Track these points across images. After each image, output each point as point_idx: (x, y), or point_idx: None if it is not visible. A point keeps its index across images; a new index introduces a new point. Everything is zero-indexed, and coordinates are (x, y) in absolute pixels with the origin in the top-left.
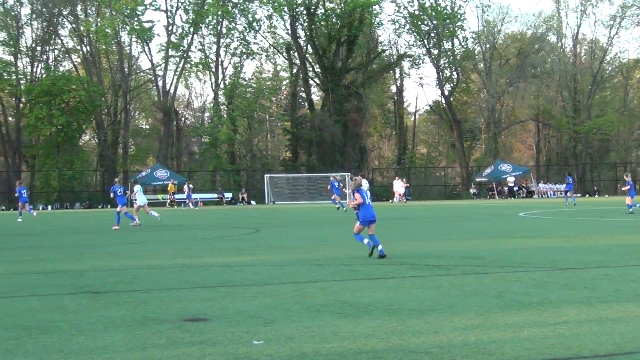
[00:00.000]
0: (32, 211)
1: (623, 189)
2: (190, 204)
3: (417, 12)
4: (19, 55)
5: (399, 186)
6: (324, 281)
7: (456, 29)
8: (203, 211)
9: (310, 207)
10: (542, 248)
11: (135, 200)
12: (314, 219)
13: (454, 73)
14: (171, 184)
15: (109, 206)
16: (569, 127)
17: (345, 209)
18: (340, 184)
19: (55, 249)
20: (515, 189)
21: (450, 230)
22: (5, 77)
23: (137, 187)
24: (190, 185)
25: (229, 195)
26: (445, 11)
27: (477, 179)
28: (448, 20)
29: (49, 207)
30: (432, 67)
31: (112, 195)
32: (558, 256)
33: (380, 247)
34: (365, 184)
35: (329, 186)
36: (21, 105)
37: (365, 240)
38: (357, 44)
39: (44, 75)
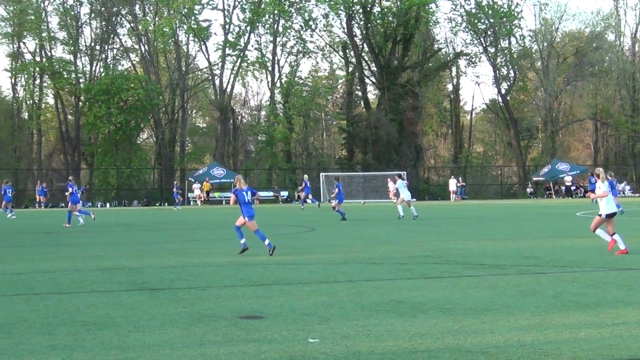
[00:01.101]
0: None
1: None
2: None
3: (473, 10)
4: (78, 54)
5: (453, 185)
6: (379, 280)
7: (513, 27)
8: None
9: (365, 206)
10: (599, 248)
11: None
12: (369, 217)
13: (511, 71)
14: (206, 183)
15: (166, 204)
16: (628, 126)
17: (317, 203)
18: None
19: (113, 246)
20: (573, 188)
21: (507, 230)
22: (65, 75)
23: (73, 187)
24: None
25: (285, 193)
26: (502, 9)
27: (534, 178)
28: (505, 19)
29: (107, 204)
30: (488, 65)
31: (69, 192)
32: (616, 256)
33: (267, 241)
34: (401, 183)
35: (302, 185)
36: (80, 103)
37: (242, 241)
38: (413, 42)
39: (102, 74)
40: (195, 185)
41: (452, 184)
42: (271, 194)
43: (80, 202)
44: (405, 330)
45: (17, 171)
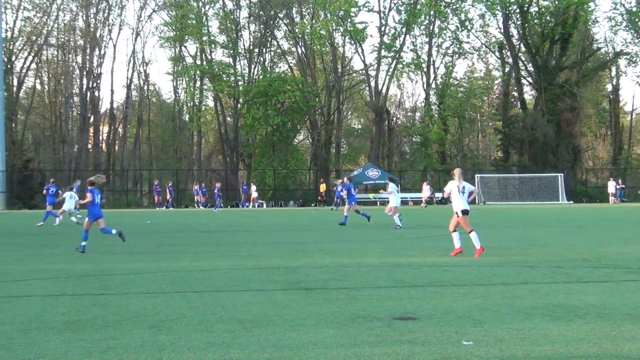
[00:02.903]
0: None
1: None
2: (216, 205)
3: (634, 9)
4: (237, 57)
5: (612, 187)
6: (535, 283)
7: None
8: (411, 211)
9: (522, 208)
10: None
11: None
12: (525, 219)
13: None
14: (323, 184)
15: (323, 205)
16: None
17: (336, 208)
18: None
19: (269, 246)
20: None
21: None
22: (225, 78)
23: (67, 194)
24: (218, 185)
25: (439, 195)
26: None
27: None
28: None
29: (264, 204)
30: None
31: (44, 192)
32: None
33: (84, 243)
34: (394, 187)
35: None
36: (239, 105)
37: (83, 243)
38: (571, 42)
39: (260, 77)
40: (253, 188)
41: (611, 186)
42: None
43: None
44: (562, 334)
45: (178, 171)
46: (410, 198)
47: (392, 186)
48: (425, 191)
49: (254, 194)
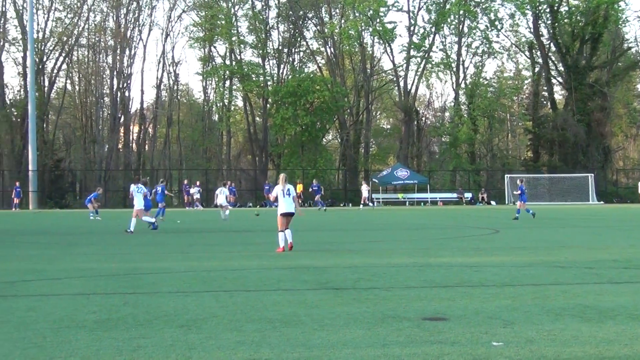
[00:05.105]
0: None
1: (514, 193)
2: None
3: None
4: (266, 57)
5: None
6: (565, 284)
7: None
8: (434, 211)
9: (552, 208)
10: None
11: None
12: (555, 220)
13: None
14: (300, 184)
15: (350, 204)
16: None
17: (324, 208)
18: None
19: (298, 245)
20: None
21: None
22: (254, 78)
23: (220, 189)
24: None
25: (468, 195)
26: None
27: None
28: None
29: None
30: None
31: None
32: None
33: None
34: (135, 188)
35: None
36: (268, 105)
37: None
38: (601, 42)
39: (289, 77)
40: (194, 189)
41: None
42: (455, 195)
43: None
44: (592, 335)
45: (207, 171)
46: (440, 198)
47: (133, 187)
48: (364, 192)
49: (197, 195)
